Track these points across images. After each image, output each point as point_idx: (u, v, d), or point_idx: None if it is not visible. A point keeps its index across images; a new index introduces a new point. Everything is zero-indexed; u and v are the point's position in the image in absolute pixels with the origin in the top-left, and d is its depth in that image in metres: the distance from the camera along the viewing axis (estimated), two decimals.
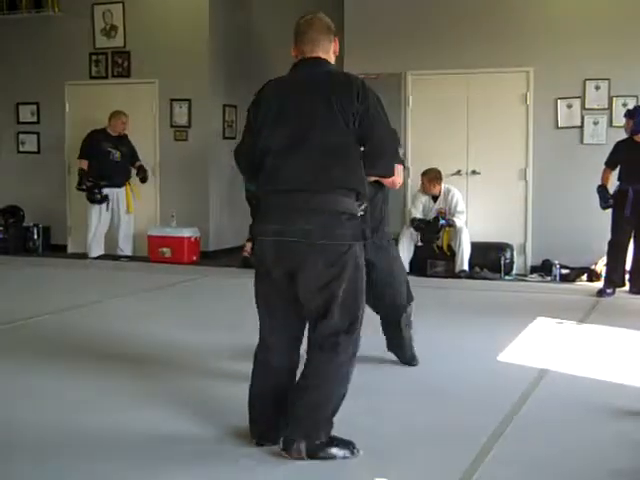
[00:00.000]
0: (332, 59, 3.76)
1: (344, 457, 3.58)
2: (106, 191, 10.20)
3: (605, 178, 7.90)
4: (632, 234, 7.75)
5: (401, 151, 5.55)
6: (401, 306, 5.13)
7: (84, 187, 10.21)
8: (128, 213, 10.39)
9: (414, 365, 5.16)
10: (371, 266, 4.38)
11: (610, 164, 7.87)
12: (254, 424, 3.76)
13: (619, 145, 7.90)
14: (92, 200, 10.22)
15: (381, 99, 3.62)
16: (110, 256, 10.32)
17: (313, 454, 3.54)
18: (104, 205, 10.24)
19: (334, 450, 3.58)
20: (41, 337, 6.03)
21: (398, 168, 4.54)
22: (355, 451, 3.62)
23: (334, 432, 3.60)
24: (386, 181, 4.81)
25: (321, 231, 3.47)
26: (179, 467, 3.54)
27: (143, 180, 10.38)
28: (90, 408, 4.34)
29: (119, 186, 10.29)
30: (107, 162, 10.18)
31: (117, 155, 10.22)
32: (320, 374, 3.57)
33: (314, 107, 3.54)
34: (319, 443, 3.56)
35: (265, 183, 3.61)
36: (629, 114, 7.79)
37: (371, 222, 4.00)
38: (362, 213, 3.62)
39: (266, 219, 3.60)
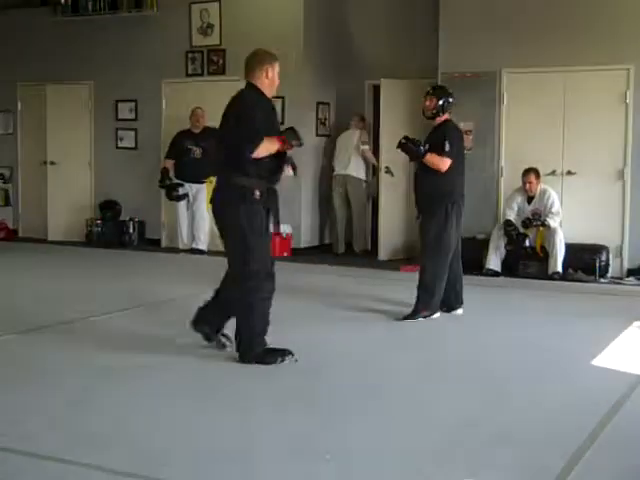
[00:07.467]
0: None
1: None
2: (185, 189, 10.47)
3: None
4: None
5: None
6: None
7: (164, 185, 10.55)
8: (207, 210, 10.56)
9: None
10: None
11: None
12: None
13: None
14: (170, 198, 10.59)
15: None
16: (189, 250, 10.59)
17: None
18: (184, 202, 10.53)
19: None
20: None
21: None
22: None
23: None
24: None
25: None
26: None
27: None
28: None
29: (199, 182, 10.47)
30: (187, 159, 10.47)
31: (197, 152, 10.46)
32: None
33: None
34: None
35: None
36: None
37: None
38: None
39: None
